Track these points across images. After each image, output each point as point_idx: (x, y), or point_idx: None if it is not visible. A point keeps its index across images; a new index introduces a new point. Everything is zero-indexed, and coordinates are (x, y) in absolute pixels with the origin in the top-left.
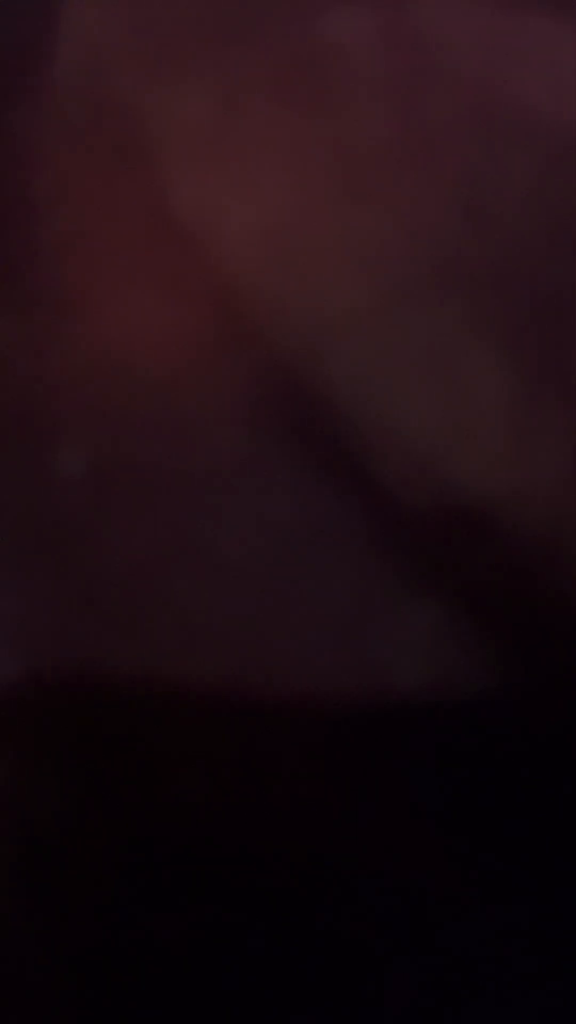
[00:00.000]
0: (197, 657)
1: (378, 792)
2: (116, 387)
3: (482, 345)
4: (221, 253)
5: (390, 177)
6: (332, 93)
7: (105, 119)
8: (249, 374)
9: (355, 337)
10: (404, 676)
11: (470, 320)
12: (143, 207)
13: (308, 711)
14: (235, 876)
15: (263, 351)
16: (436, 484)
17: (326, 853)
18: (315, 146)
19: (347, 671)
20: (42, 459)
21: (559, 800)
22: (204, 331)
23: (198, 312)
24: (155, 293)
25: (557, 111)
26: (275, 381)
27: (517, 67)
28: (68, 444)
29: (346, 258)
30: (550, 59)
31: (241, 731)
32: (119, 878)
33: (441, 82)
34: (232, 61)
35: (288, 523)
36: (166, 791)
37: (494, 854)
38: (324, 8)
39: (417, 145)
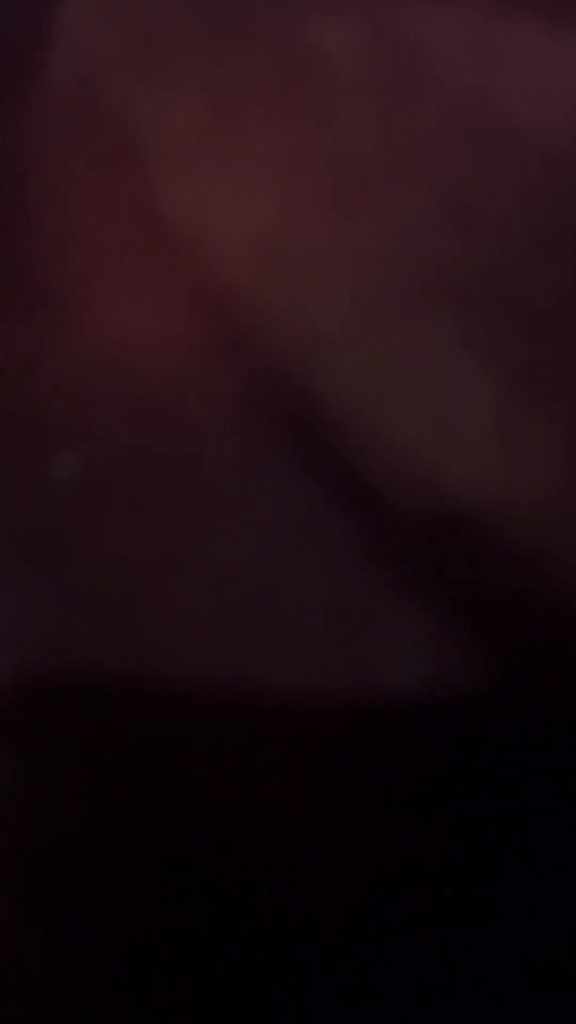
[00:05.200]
0: (192, 658)
1: (373, 793)
2: (109, 390)
3: (470, 353)
4: (212, 259)
5: (379, 184)
6: (322, 100)
7: (97, 125)
8: (241, 378)
9: (345, 343)
10: (397, 677)
11: (459, 328)
12: (135, 212)
13: (302, 712)
14: (233, 875)
15: (255, 356)
16: (426, 490)
17: (323, 853)
18: (305, 153)
19: (340, 673)
20: (37, 462)
21: (554, 800)
22: (196, 336)
23: (190, 317)
24: (147, 298)
25: (546, 119)
26: (267, 386)
27: (506, 75)
28: (62, 446)
29: (335, 264)
30: (539, 67)
31: (237, 732)
32: (118, 877)
33: (430, 89)
34: (223, 68)
35: (281, 527)
36: (163, 791)
37: (490, 855)
38: (314, 15)
39: (406, 152)
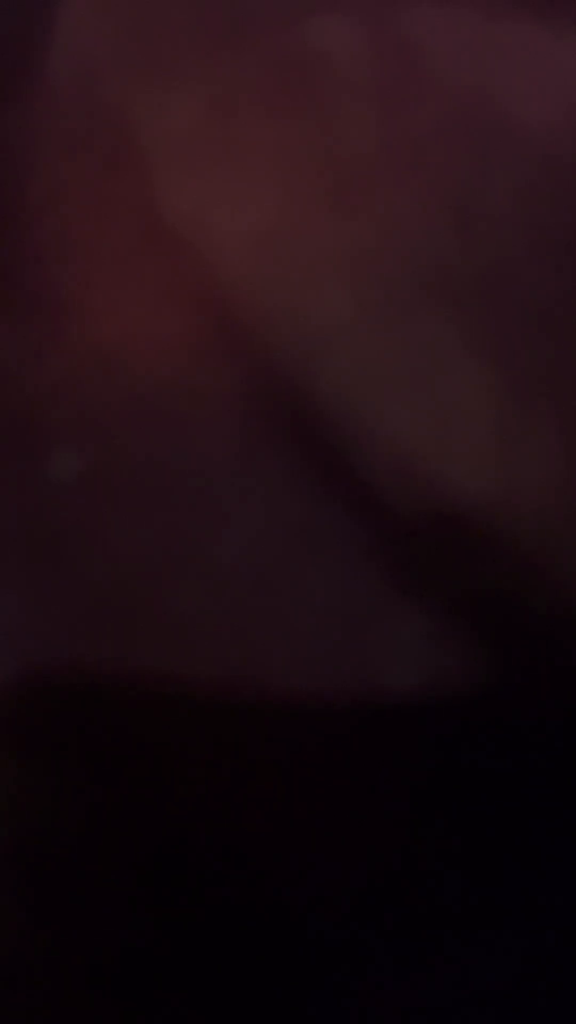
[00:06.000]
0: (193, 659)
1: (373, 794)
2: (109, 391)
3: (470, 353)
4: (212, 259)
5: (379, 184)
6: (322, 100)
7: (97, 125)
8: (242, 379)
9: (345, 344)
10: (397, 679)
11: (459, 328)
12: (135, 213)
13: (303, 713)
14: (233, 874)
15: (255, 356)
16: (425, 490)
17: (323, 854)
18: (305, 153)
19: (341, 674)
20: (37, 463)
21: (554, 800)
22: (196, 336)
23: (190, 317)
24: (147, 299)
25: (546, 119)
26: (268, 386)
27: (506, 75)
28: (62, 448)
29: (335, 264)
30: (539, 67)
31: (238, 732)
32: (118, 877)
33: (430, 90)
34: (223, 68)
35: (281, 527)
36: (163, 791)
37: (490, 856)
38: (314, 15)
39: (406, 152)
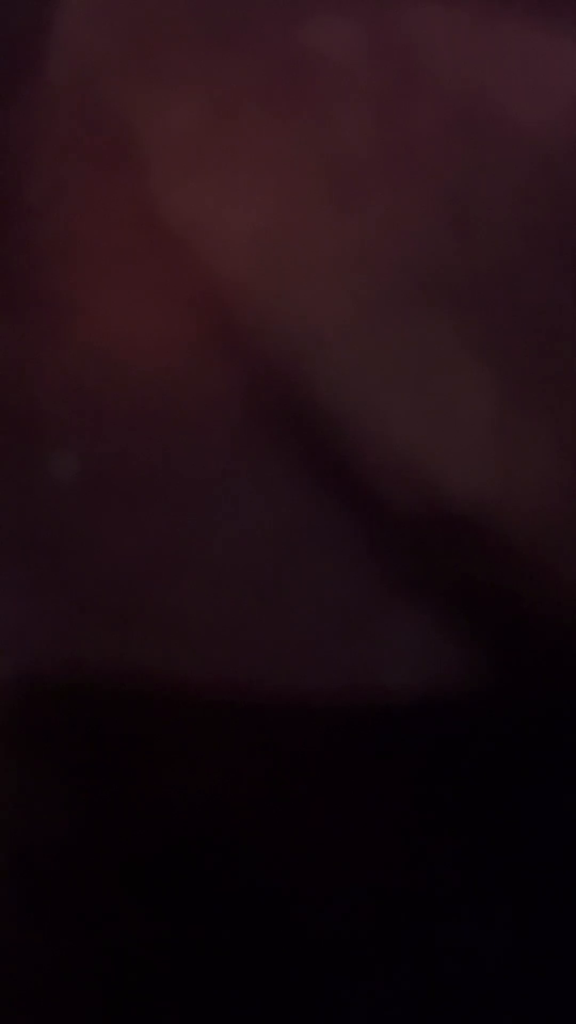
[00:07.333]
0: (191, 659)
1: (371, 794)
2: (108, 390)
3: (468, 352)
4: (210, 259)
5: (378, 184)
6: (320, 101)
7: (96, 125)
8: (240, 379)
9: (342, 344)
10: (395, 678)
11: (456, 328)
12: (134, 213)
13: (301, 713)
14: (232, 875)
15: (254, 356)
16: (424, 490)
17: (322, 854)
18: (303, 153)
19: (339, 673)
20: (35, 462)
21: (554, 801)
22: (195, 336)
23: (189, 317)
24: (145, 298)
25: (544, 119)
26: (266, 386)
27: (504, 75)
28: (60, 447)
29: (334, 265)
30: (537, 67)
31: (237, 732)
32: (117, 878)
33: (428, 90)
34: (221, 68)
35: (280, 526)
36: (163, 791)
37: (490, 856)
38: (312, 16)
39: (404, 153)
